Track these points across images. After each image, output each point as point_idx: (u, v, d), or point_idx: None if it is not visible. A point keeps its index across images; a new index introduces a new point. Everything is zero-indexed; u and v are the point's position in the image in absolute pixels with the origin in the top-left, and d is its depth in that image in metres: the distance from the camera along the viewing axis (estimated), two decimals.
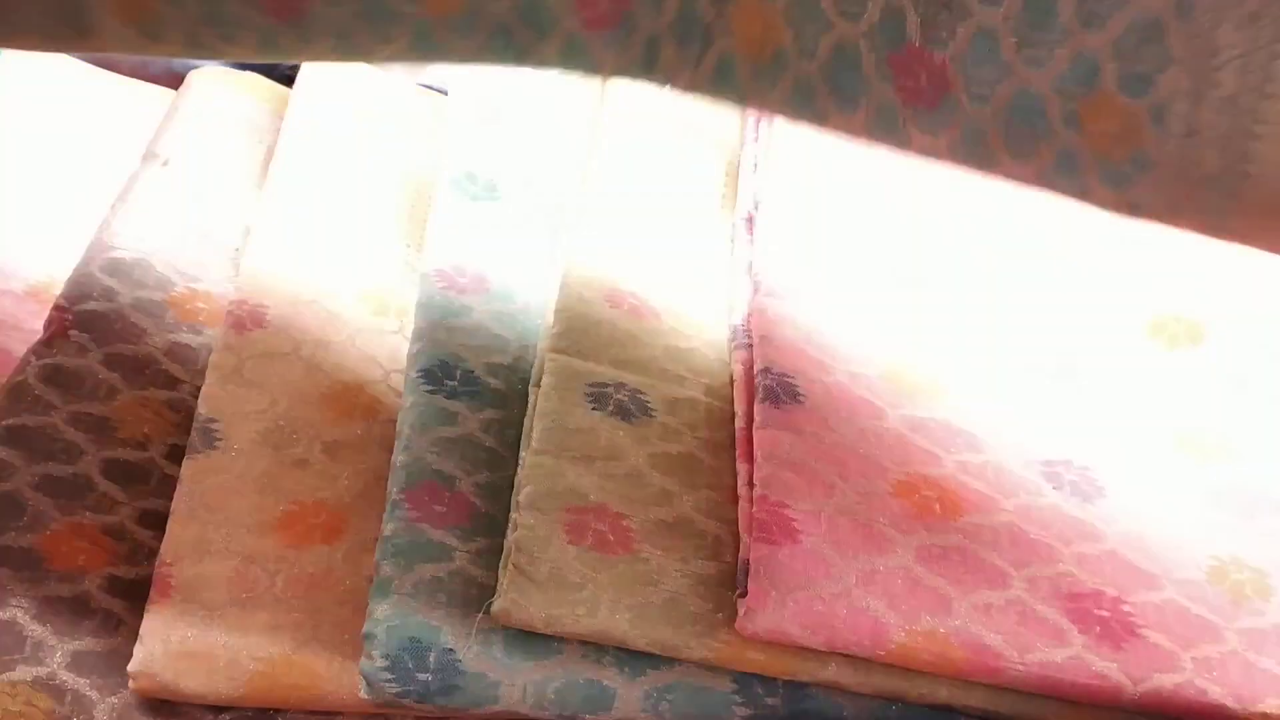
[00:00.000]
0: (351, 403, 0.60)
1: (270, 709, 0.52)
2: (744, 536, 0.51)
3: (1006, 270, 0.66)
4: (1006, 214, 0.69)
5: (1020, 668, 0.48)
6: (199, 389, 0.60)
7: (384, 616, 0.49)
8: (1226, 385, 0.61)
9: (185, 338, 0.63)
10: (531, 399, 0.57)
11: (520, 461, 0.54)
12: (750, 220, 0.65)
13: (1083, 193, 0.38)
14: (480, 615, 0.50)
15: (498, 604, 0.49)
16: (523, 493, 0.52)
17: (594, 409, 0.55)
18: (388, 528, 0.52)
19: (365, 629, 0.49)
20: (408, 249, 0.69)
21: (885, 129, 0.41)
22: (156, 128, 0.73)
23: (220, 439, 0.57)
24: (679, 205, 0.67)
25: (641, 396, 0.57)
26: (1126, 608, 0.50)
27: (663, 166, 0.68)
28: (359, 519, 0.56)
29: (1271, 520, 0.55)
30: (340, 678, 0.51)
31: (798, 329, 0.58)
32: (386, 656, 0.49)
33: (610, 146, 0.67)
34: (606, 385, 0.56)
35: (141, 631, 0.51)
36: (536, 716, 0.50)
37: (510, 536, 0.51)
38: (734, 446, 0.56)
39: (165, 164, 0.69)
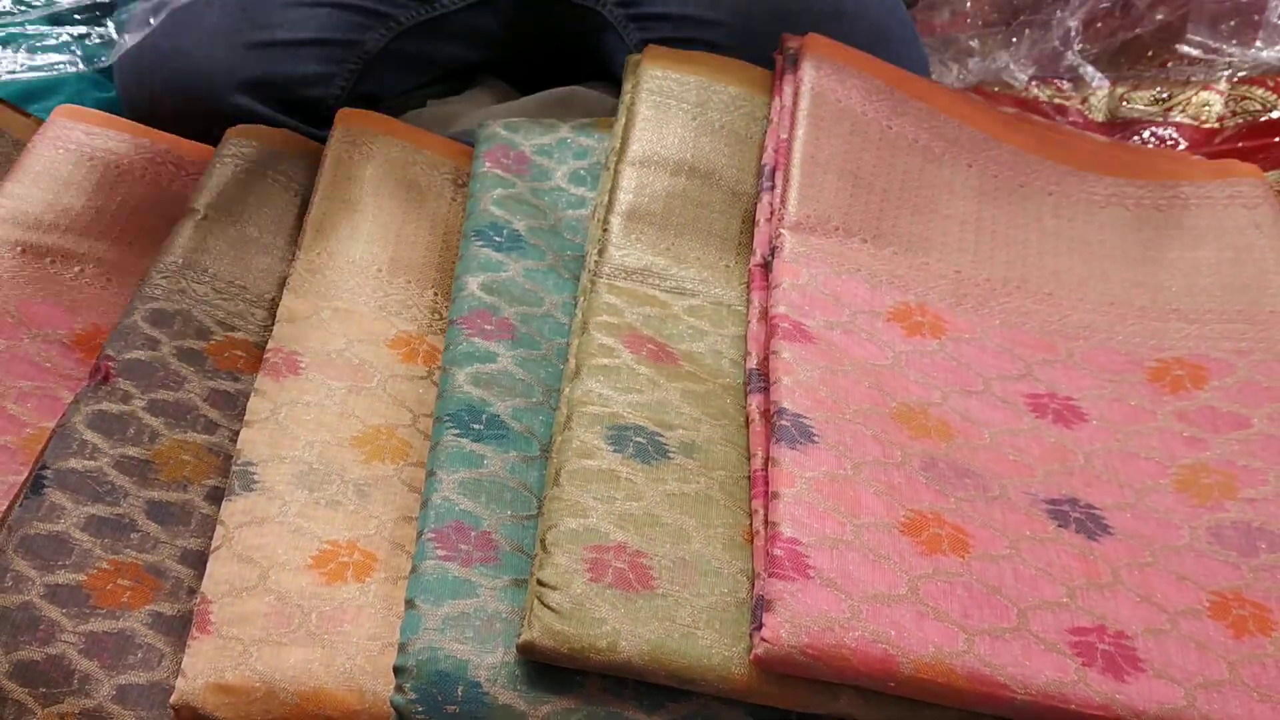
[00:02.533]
0: (381, 446, 0.63)
1: None
2: (759, 572, 0.53)
3: (1016, 317, 0.68)
4: (1018, 262, 0.71)
5: (1024, 697, 0.49)
6: (237, 433, 0.63)
7: (414, 651, 0.51)
8: (1228, 426, 0.62)
9: (224, 384, 0.66)
10: (555, 442, 0.59)
11: (543, 502, 0.57)
12: (765, 267, 0.67)
13: None
14: (505, 650, 0.52)
15: (523, 638, 0.51)
16: (546, 532, 0.54)
17: (614, 451, 0.58)
18: (417, 565, 0.55)
19: (396, 662, 0.52)
20: (436, 297, 0.72)
21: None
22: (196, 183, 0.76)
23: (257, 481, 0.60)
24: (695, 253, 0.69)
25: (659, 439, 0.59)
26: (1129, 641, 0.52)
27: (679, 215, 0.70)
28: (389, 557, 0.59)
29: (1271, 556, 0.57)
30: (373, 710, 0.54)
31: (813, 373, 0.60)
32: (417, 689, 0.51)
33: (628, 197, 0.70)
34: (626, 428, 0.59)
35: (183, 666, 0.54)
36: None
37: (534, 574, 0.53)
38: (749, 486, 0.58)
39: (204, 218, 0.73)
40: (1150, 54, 0.95)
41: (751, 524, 0.56)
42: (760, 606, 0.51)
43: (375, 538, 0.59)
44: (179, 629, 0.57)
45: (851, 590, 0.51)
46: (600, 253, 0.68)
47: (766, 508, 0.55)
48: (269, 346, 0.66)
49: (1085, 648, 0.51)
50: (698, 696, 0.52)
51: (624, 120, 0.74)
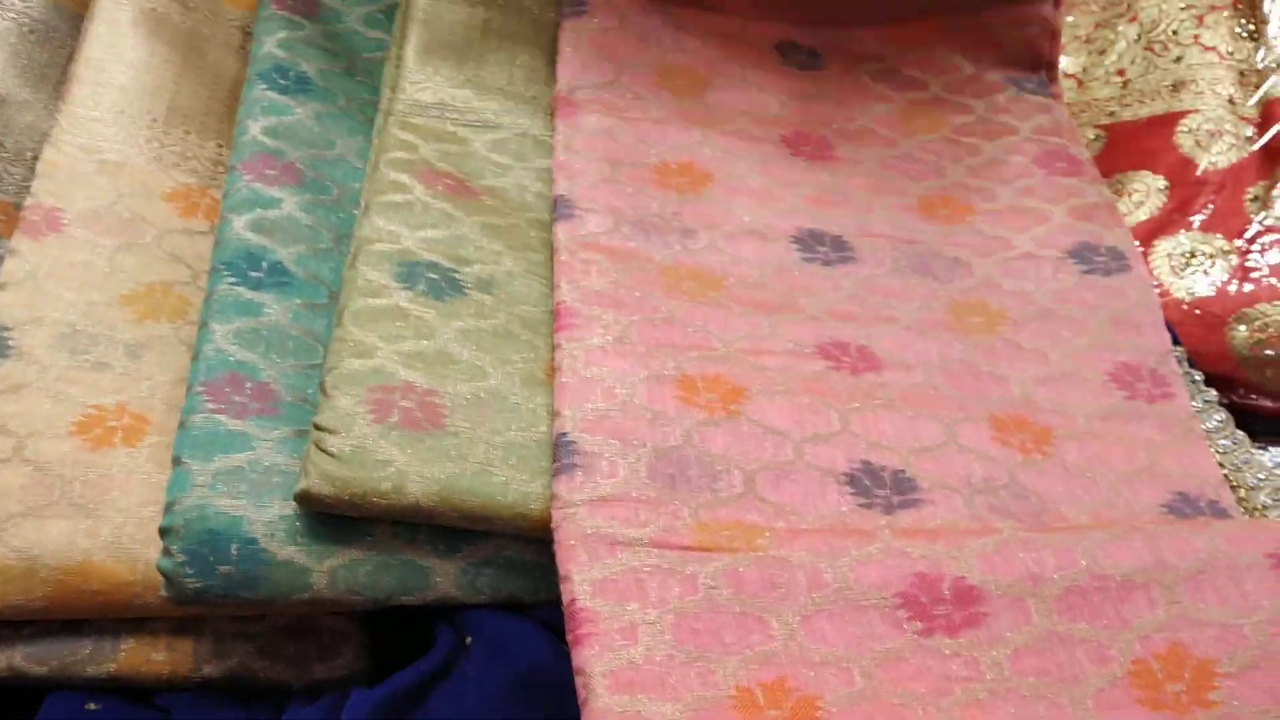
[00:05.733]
0: (156, 304, 0.57)
1: (75, 619, 0.50)
2: (559, 410, 0.49)
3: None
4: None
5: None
6: None
7: (181, 510, 0.47)
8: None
9: None
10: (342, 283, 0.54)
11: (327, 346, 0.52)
12: (567, 99, 0.62)
13: None
14: (285, 503, 0.48)
15: (299, 487, 0.46)
16: (327, 375, 0.50)
17: (404, 288, 0.53)
18: (185, 420, 0.50)
19: (161, 524, 0.47)
20: (220, 149, 0.66)
21: None
22: None
23: (13, 347, 0.54)
24: (498, 84, 0.64)
25: (454, 274, 0.54)
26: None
27: (478, 50, 0.65)
28: (164, 420, 0.53)
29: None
30: (146, 580, 0.49)
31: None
32: (185, 551, 0.46)
33: (425, 30, 0.64)
34: (418, 264, 0.54)
35: None
36: (351, 602, 0.48)
37: (313, 419, 0.48)
38: (551, 320, 0.54)
39: None
40: None
41: (553, 359, 0.52)
42: (559, 446, 0.48)
43: (149, 400, 0.54)
44: None
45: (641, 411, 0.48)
46: (394, 89, 0.62)
47: (565, 339, 0.51)
48: (26, 204, 0.59)
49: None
50: (496, 537, 0.48)
51: None
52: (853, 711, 0.41)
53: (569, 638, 0.42)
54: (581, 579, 0.43)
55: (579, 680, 0.41)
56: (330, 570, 0.47)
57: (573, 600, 0.43)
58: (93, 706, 0.49)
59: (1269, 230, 0.65)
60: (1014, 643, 0.43)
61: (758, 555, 0.44)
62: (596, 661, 0.41)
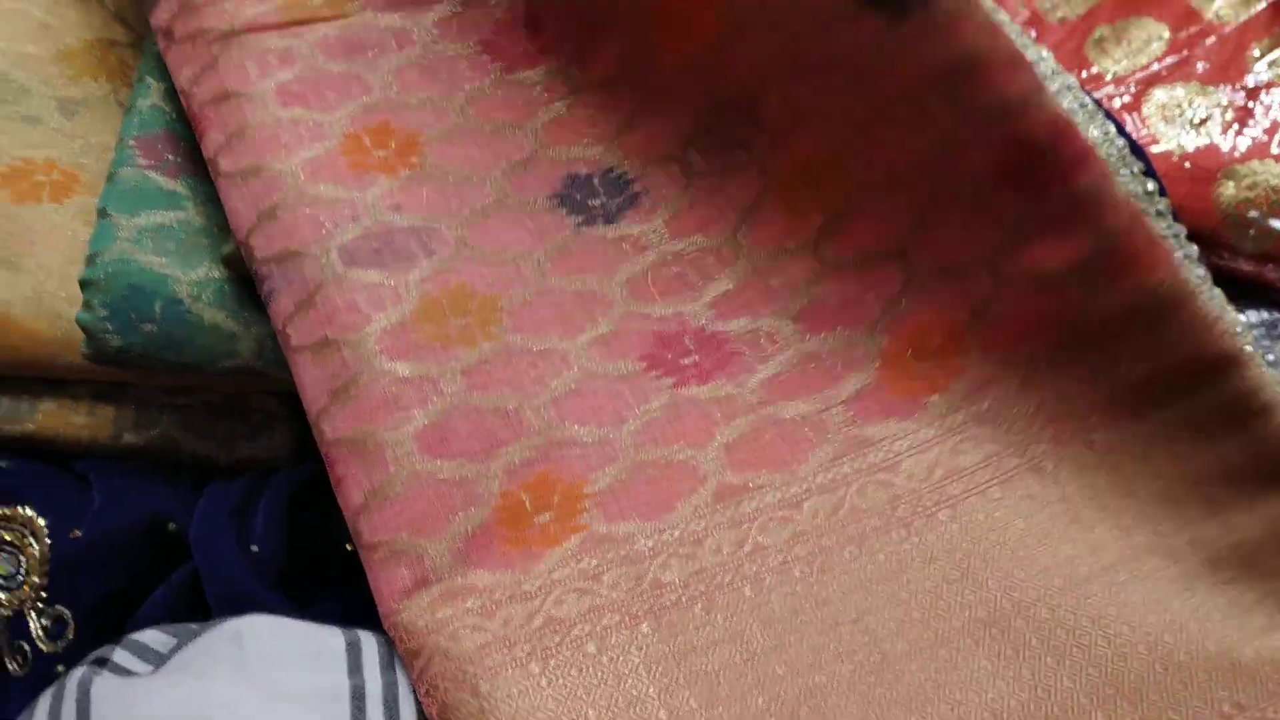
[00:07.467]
0: (94, 62, 0.54)
1: None
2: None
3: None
4: None
5: None
6: None
7: (104, 262, 0.44)
8: None
9: None
10: None
11: None
12: None
13: None
14: (212, 265, 0.45)
15: (226, 249, 0.44)
16: None
17: None
18: (114, 173, 0.47)
19: (83, 275, 0.44)
20: None
21: None
22: None
23: None
24: None
25: None
26: None
27: None
28: (94, 180, 0.51)
29: None
30: (67, 339, 0.47)
31: None
32: (107, 305, 0.44)
33: None
34: None
35: None
36: (280, 378, 0.46)
37: None
38: None
39: None
40: None
41: None
42: None
43: (80, 159, 0.51)
44: None
45: None
46: None
47: None
48: None
49: None
50: None
51: None
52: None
53: None
54: None
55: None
56: (258, 339, 0.45)
57: None
58: (3, 464, 0.47)
59: (1270, 86, 0.63)
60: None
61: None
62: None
